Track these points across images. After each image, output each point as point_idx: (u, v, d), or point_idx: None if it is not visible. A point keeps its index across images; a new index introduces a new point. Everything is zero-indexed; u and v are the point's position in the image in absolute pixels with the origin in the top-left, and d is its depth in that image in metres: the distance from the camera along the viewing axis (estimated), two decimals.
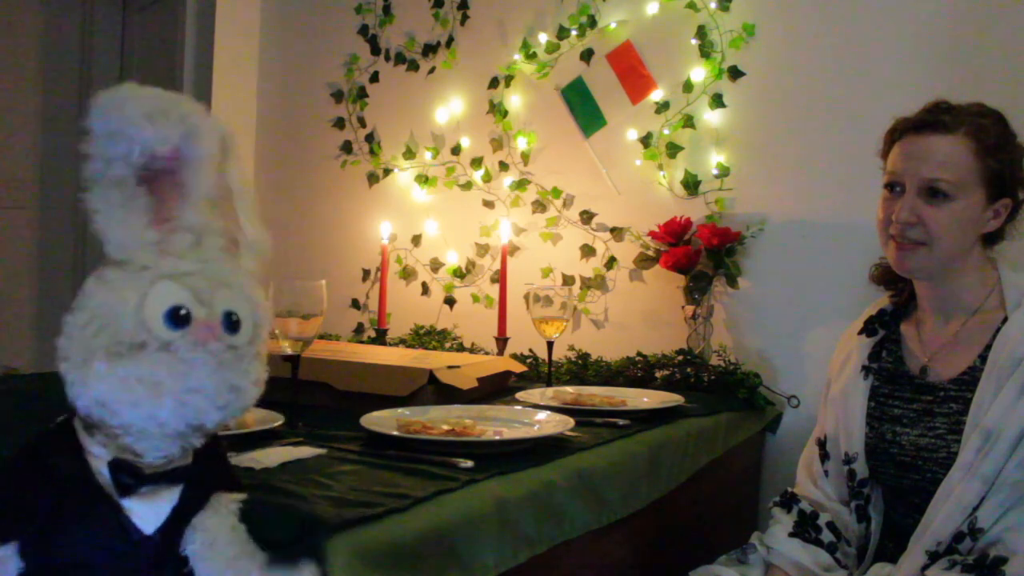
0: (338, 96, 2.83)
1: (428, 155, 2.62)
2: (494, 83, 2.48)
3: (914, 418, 1.29)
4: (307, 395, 1.46)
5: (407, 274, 2.64)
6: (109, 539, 0.77)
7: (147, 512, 0.78)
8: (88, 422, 0.79)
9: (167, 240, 0.80)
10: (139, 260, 0.78)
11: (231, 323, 0.79)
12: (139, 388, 0.75)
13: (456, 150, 2.56)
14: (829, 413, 1.39)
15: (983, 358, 1.24)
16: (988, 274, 1.30)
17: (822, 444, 1.39)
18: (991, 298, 1.28)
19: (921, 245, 1.24)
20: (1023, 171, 1.27)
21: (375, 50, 2.75)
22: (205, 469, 0.83)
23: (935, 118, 1.25)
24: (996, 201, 1.26)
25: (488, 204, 2.50)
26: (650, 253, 2.19)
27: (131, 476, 0.78)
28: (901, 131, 1.29)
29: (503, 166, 2.47)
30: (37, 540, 0.76)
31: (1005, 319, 1.24)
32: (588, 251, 2.31)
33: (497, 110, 2.46)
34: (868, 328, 1.40)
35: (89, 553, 0.78)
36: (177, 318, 0.76)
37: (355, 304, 2.74)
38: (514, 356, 2.08)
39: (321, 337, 2.41)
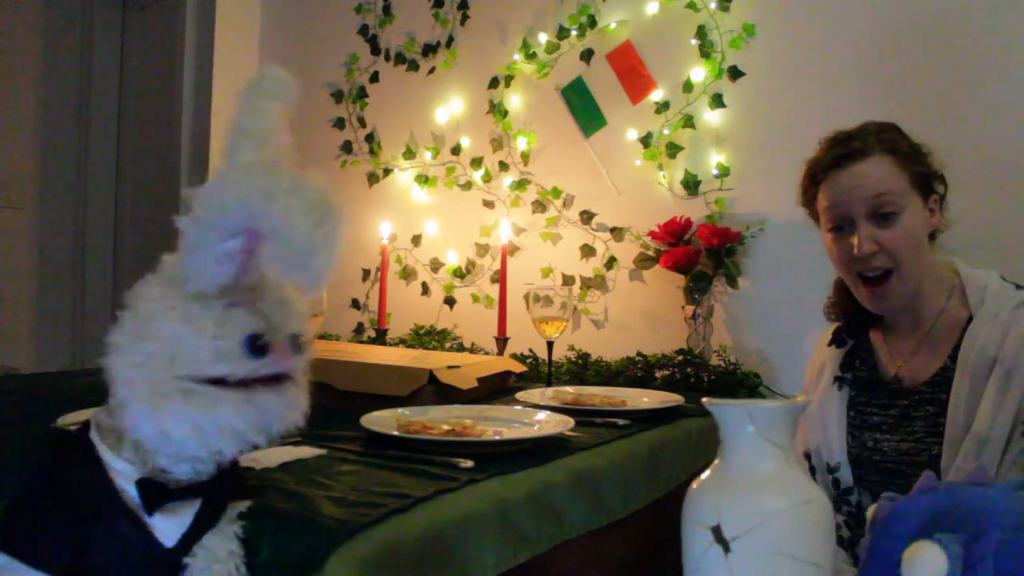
0: (338, 96, 2.83)
1: (428, 155, 2.62)
2: (494, 83, 2.48)
3: (893, 424, 1.29)
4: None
5: (407, 274, 2.65)
6: (132, 553, 0.79)
7: (169, 526, 0.80)
8: (115, 437, 0.80)
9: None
10: (212, 293, 0.77)
11: (298, 345, 0.81)
12: (214, 432, 0.76)
13: (456, 150, 2.56)
14: (809, 427, 1.38)
15: (953, 358, 1.24)
16: (944, 274, 1.31)
17: (808, 457, 1.38)
18: (952, 298, 1.29)
19: (889, 274, 1.25)
20: (934, 166, 1.30)
21: (375, 50, 2.75)
22: (221, 481, 0.85)
23: (848, 149, 1.28)
24: (928, 201, 1.29)
25: (488, 204, 2.50)
26: (650, 253, 2.19)
27: (158, 494, 0.79)
28: (823, 172, 1.30)
29: (503, 166, 2.47)
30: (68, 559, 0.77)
31: (970, 318, 1.25)
32: (588, 251, 2.31)
33: (497, 110, 2.46)
34: (836, 339, 1.41)
35: (113, 567, 0.79)
36: (255, 347, 0.77)
37: (355, 304, 2.74)
38: (514, 356, 2.08)
39: (321, 337, 2.42)
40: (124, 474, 0.79)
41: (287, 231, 0.68)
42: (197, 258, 0.74)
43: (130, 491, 0.79)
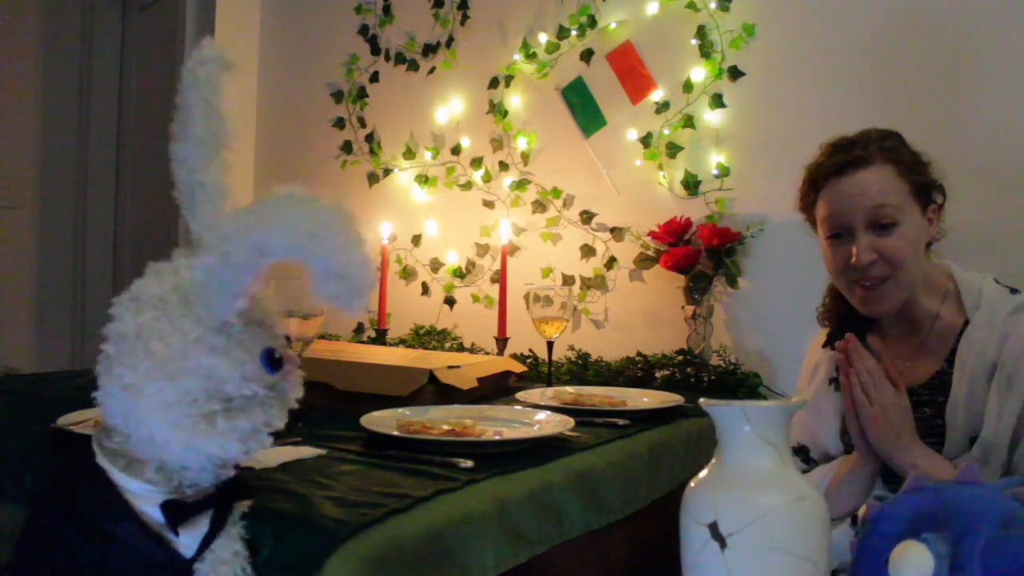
0: (338, 96, 2.83)
1: (428, 155, 2.62)
2: (494, 83, 2.48)
3: None
4: (307, 395, 1.45)
5: (407, 274, 2.65)
6: (153, 569, 0.80)
7: (188, 539, 0.82)
8: (125, 461, 0.81)
9: None
10: (233, 321, 0.80)
11: (288, 343, 0.86)
12: (247, 439, 0.81)
13: (456, 150, 2.56)
14: (802, 425, 1.38)
15: (950, 362, 1.24)
16: (937, 278, 1.30)
17: (798, 451, 1.37)
18: (947, 302, 1.28)
19: (885, 281, 1.24)
20: (933, 176, 1.29)
21: (375, 50, 2.75)
22: (228, 486, 0.86)
23: (850, 155, 1.26)
24: (927, 210, 1.28)
25: (488, 204, 2.50)
26: (650, 253, 2.19)
27: (181, 512, 0.81)
28: (824, 178, 1.29)
29: (503, 166, 2.47)
30: None
31: (966, 322, 1.24)
32: (588, 251, 2.31)
33: (497, 110, 2.46)
34: (831, 341, 1.40)
35: None
36: (273, 362, 0.81)
37: None
38: (514, 356, 2.08)
39: (321, 337, 2.41)
40: (142, 496, 0.80)
41: (341, 269, 0.71)
42: (224, 294, 0.76)
43: (149, 512, 0.80)
